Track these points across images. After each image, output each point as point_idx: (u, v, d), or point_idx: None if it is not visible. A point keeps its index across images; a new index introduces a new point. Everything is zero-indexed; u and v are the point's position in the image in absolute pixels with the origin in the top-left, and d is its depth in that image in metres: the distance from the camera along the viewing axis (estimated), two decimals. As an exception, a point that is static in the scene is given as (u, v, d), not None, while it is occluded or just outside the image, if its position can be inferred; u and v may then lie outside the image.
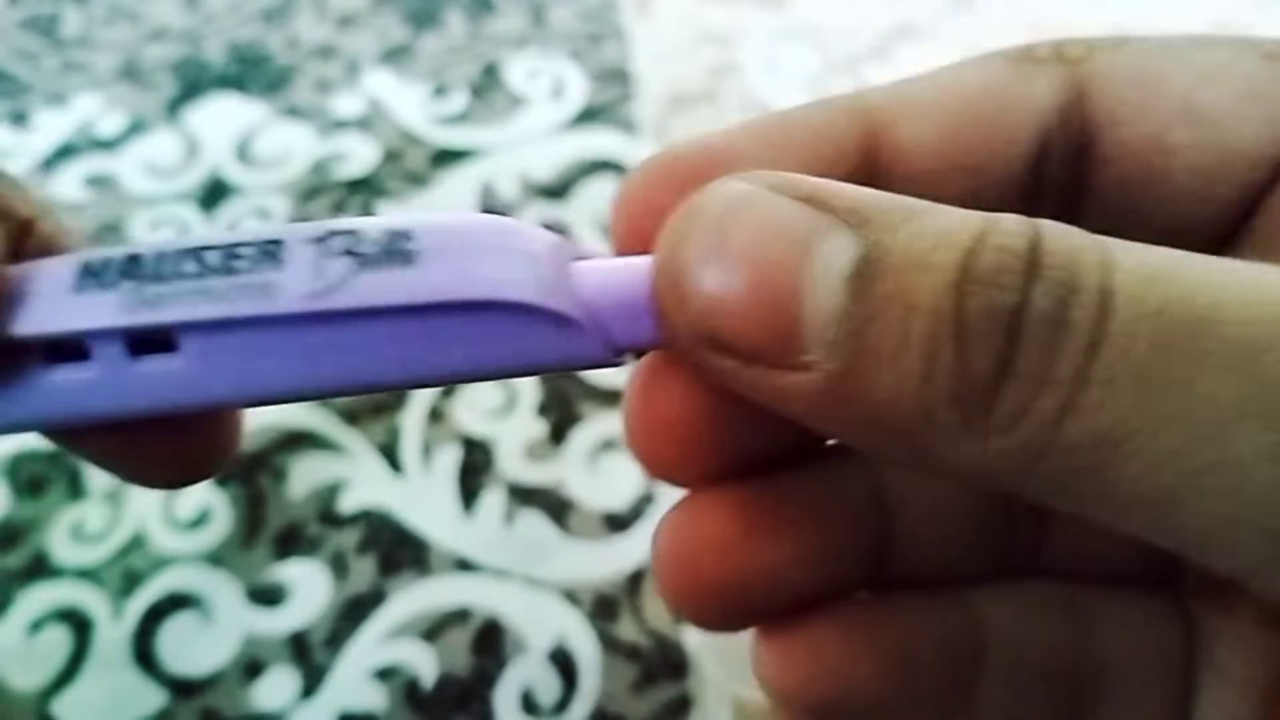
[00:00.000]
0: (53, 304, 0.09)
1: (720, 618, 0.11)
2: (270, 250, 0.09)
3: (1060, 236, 0.08)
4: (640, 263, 0.10)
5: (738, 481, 0.11)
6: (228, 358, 0.09)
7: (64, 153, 0.32)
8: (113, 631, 0.23)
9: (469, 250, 0.09)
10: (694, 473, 0.11)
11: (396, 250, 0.09)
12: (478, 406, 0.26)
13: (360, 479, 0.25)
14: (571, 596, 0.24)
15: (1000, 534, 0.12)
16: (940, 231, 0.08)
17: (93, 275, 0.09)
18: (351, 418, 0.26)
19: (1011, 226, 0.08)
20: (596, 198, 0.30)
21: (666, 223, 0.09)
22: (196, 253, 0.09)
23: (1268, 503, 0.08)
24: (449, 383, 0.10)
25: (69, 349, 0.09)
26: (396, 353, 0.09)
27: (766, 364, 0.09)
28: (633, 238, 0.10)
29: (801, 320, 0.08)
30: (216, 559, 0.24)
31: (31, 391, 0.10)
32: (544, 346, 0.09)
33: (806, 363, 0.08)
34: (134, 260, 0.09)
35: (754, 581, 0.11)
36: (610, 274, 0.10)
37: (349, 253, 0.09)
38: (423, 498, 0.25)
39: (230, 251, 0.09)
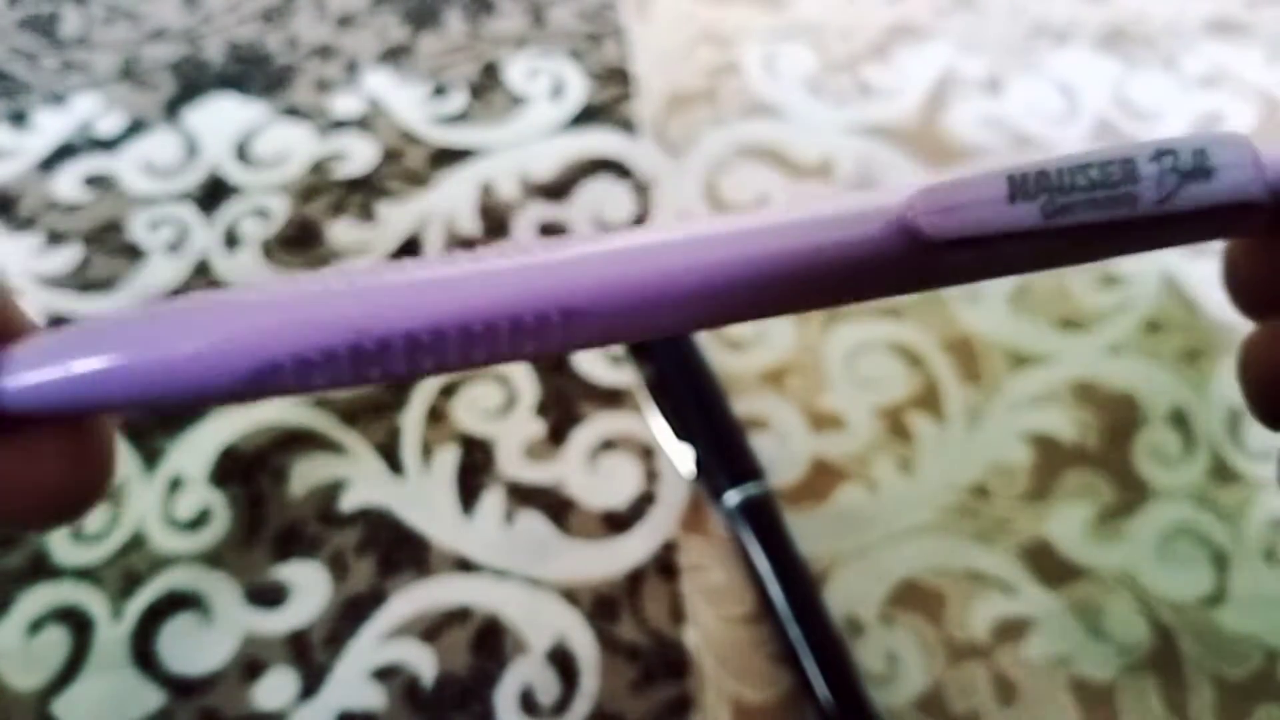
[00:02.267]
0: (994, 209, 0.13)
1: None
2: (1129, 168, 0.13)
3: None
4: None
5: None
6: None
7: (63, 153, 0.32)
8: (112, 631, 0.23)
9: (1243, 163, 0.13)
10: None
11: (1202, 167, 0.13)
12: (477, 406, 0.26)
13: (360, 479, 0.25)
14: (571, 596, 0.24)
15: None
16: None
17: (1018, 186, 0.13)
18: (351, 417, 0.26)
19: None
20: (597, 197, 0.30)
21: None
22: (1085, 169, 0.13)
23: None
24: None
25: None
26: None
27: None
28: None
29: None
30: (216, 559, 0.24)
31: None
32: (1238, 229, 0.14)
33: None
34: (1044, 175, 0.13)
35: None
36: None
37: (1174, 169, 0.13)
38: (423, 498, 0.25)
39: (1105, 168, 0.13)
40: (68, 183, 0.31)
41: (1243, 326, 0.15)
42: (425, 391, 0.27)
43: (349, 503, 0.25)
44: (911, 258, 0.13)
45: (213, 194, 0.31)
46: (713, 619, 0.23)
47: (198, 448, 0.26)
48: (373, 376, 0.12)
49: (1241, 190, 0.13)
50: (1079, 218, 0.13)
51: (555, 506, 0.25)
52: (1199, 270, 0.29)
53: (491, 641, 0.23)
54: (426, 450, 0.26)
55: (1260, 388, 0.15)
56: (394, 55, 0.34)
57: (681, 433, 0.25)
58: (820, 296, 0.13)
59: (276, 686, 0.23)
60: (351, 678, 0.23)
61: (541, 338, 0.12)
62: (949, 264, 0.13)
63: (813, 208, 0.13)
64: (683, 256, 0.13)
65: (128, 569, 0.24)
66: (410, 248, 0.29)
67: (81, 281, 0.29)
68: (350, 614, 0.23)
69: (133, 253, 0.29)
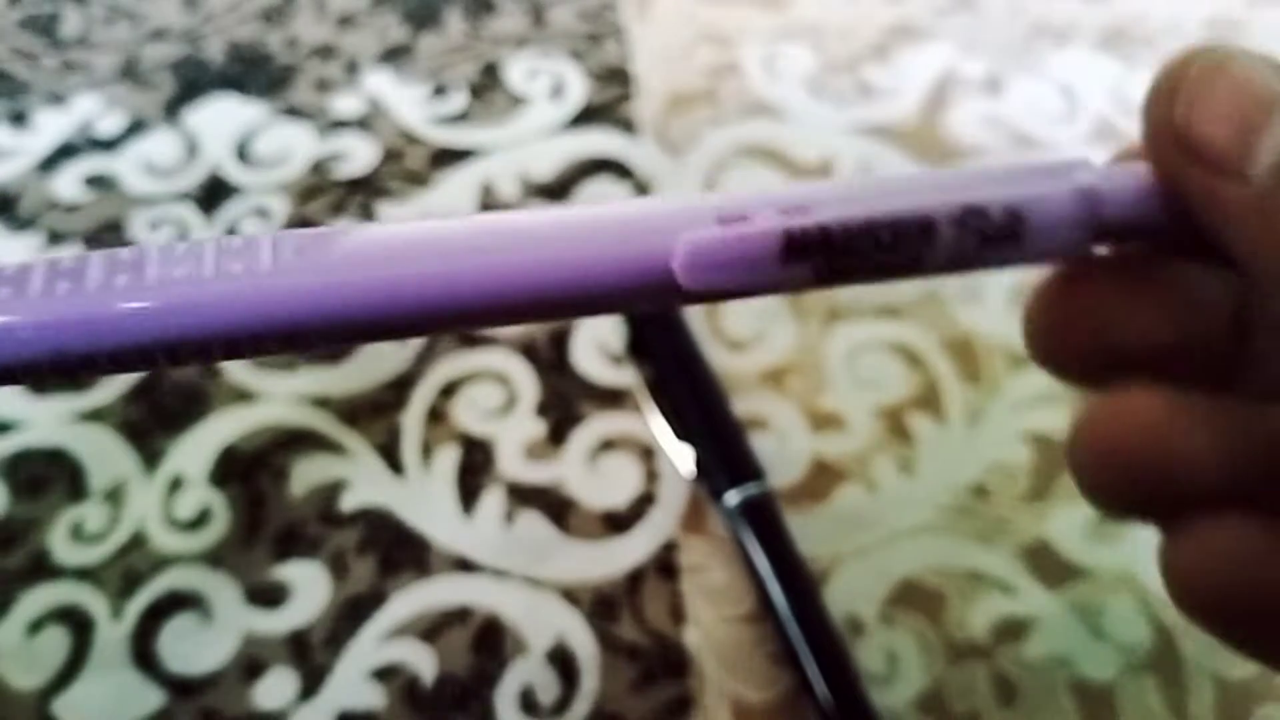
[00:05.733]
0: (763, 270, 0.12)
1: (1128, 496, 0.13)
2: (928, 232, 0.12)
3: None
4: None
5: (1150, 382, 0.13)
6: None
7: (63, 153, 0.32)
8: (112, 631, 0.23)
9: (1062, 222, 0.12)
10: (1085, 365, 0.14)
11: (1011, 230, 0.12)
12: (477, 406, 0.26)
13: (360, 479, 0.25)
14: (571, 596, 0.24)
15: None
16: None
17: (795, 247, 0.12)
18: (351, 417, 0.26)
19: None
20: (597, 197, 0.30)
21: (1174, 57, 0.12)
22: (874, 231, 0.12)
23: None
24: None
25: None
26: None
27: (1218, 170, 0.11)
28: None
29: (1258, 142, 0.11)
30: (216, 559, 0.24)
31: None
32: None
33: (1249, 176, 0.11)
34: (827, 236, 0.12)
35: (1167, 467, 0.13)
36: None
37: (979, 232, 0.12)
38: (423, 498, 0.25)
39: (900, 229, 0.12)
40: (68, 183, 0.31)
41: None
42: (425, 391, 0.27)
43: (349, 503, 0.25)
44: (666, 295, 0.12)
45: (213, 194, 0.31)
46: (713, 619, 0.23)
47: (198, 448, 0.26)
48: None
49: (1046, 252, 0.12)
50: (854, 278, 0.12)
51: (555, 506, 0.25)
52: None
53: (491, 641, 0.23)
54: (426, 450, 0.26)
55: (1095, 473, 0.13)
56: (394, 55, 0.34)
57: (681, 433, 0.25)
58: (564, 312, 0.12)
59: (276, 686, 0.23)
60: (351, 678, 0.23)
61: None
62: (701, 298, 0.12)
63: (589, 230, 0.12)
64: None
65: (128, 569, 0.24)
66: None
67: (82, 281, 0.29)
68: (350, 614, 0.23)
69: (133, 253, 0.29)
